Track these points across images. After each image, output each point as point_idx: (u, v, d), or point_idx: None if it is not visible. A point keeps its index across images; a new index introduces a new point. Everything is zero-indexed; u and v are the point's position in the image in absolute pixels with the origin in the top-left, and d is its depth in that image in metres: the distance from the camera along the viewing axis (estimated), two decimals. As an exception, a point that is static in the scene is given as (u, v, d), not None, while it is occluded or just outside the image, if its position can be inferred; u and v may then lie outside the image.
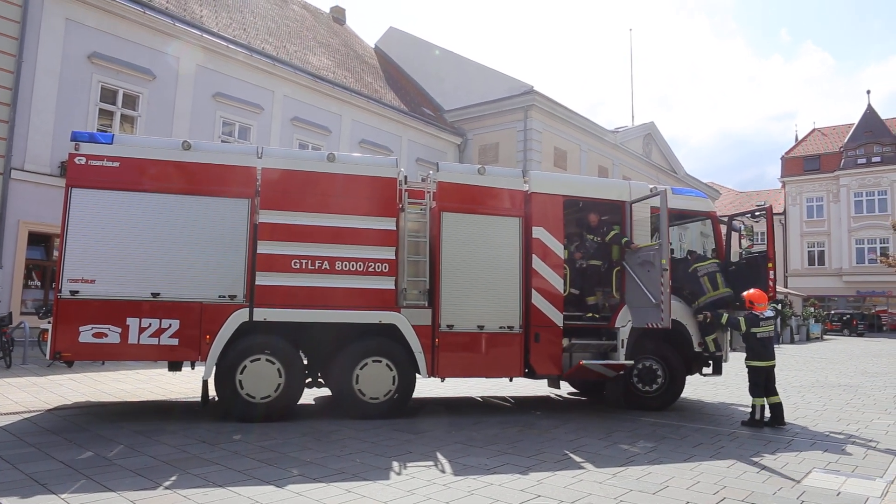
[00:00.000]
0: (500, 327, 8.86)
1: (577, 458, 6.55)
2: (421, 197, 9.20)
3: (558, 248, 9.39)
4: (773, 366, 8.71)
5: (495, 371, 9.05)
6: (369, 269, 8.36)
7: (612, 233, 9.81)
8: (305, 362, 8.62)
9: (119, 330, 7.54)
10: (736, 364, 11.15)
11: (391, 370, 8.41)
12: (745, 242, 10.84)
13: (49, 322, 7.82)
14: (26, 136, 16.28)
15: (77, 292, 7.51)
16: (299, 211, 8.25)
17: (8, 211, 15.90)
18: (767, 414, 8.58)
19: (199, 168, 8.10)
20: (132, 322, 7.59)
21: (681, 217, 10.72)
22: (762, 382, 8.58)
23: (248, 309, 7.91)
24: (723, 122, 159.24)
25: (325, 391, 9.34)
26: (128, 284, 7.65)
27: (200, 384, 8.45)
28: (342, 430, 7.55)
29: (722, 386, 12.60)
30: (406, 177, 9.19)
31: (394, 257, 8.50)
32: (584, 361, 8.97)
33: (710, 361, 10.05)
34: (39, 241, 16.72)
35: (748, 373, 8.72)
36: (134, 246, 7.73)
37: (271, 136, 21.84)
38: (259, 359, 7.95)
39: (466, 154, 29.76)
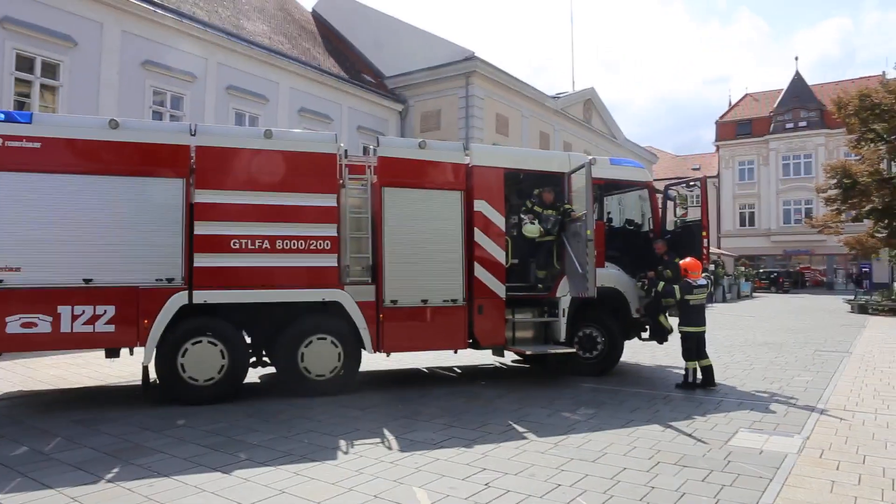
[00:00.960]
0: (444, 300, 8.96)
1: (521, 429, 6.76)
2: (362, 172, 9.10)
3: (500, 221, 9.51)
4: (705, 331, 9.16)
5: (440, 344, 9.19)
6: (311, 247, 8.28)
7: (565, 207, 9.99)
8: (249, 342, 8.54)
9: (49, 319, 7.26)
10: (674, 325, 11.66)
11: (336, 347, 8.43)
12: (679, 211, 11.17)
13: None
14: (-64, 109, 15.19)
15: (1, 281, 7.18)
16: (237, 189, 8.06)
17: (-80, 190, 14.88)
18: (699, 376, 9.02)
19: (129, 147, 7.77)
20: (64, 310, 7.31)
21: (618, 187, 10.98)
22: (694, 347, 9.01)
23: (186, 292, 7.74)
24: (661, 87, 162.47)
25: (271, 369, 9.27)
26: (57, 271, 7.34)
27: (139, 368, 8.27)
28: (289, 410, 7.56)
29: (660, 350, 13.13)
30: (346, 151, 9.07)
31: (335, 234, 8.44)
32: (529, 351, 9.48)
33: (647, 326, 10.45)
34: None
35: (681, 338, 9.14)
36: (62, 231, 7.40)
37: (206, 106, 21.05)
38: (200, 341, 7.83)
39: (408, 121, 29.48)
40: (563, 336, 9.48)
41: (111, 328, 7.50)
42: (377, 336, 8.55)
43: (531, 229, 9.84)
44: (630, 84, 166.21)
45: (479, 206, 9.36)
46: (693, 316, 9.12)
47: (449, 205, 9.19)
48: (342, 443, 6.22)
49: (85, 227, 7.51)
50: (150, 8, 19.60)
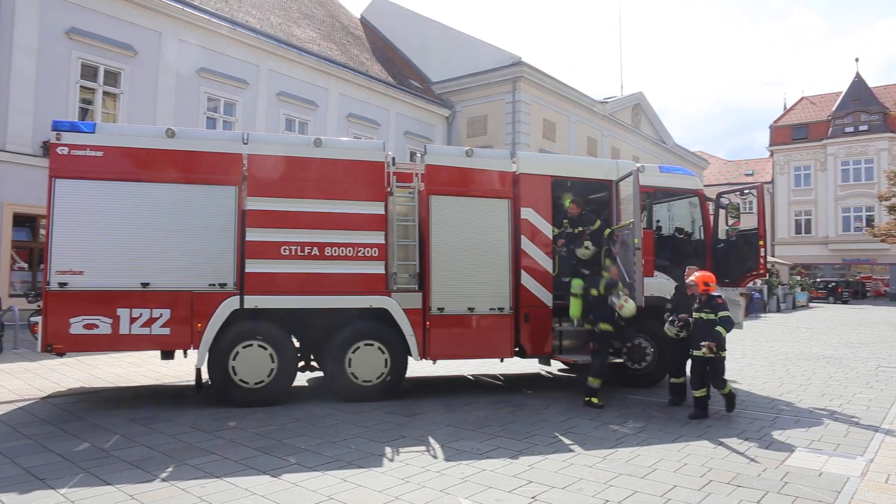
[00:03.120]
0: (491, 309, 8.94)
1: (567, 441, 6.68)
2: (409, 180, 9.18)
3: (547, 229, 9.45)
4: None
5: (486, 352, 9.16)
6: (359, 254, 8.38)
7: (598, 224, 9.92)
8: (298, 346, 8.68)
9: (110, 321, 7.55)
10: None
11: (383, 353, 8.50)
12: (731, 220, 10.86)
13: (38, 307, 7.81)
14: (6, 117, 15.97)
15: (66, 284, 7.49)
16: (287, 197, 8.23)
17: (-8, 193, 15.69)
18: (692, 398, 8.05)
19: (185, 156, 8.03)
20: (123, 312, 7.59)
21: (667, 195, 10.77)
22: (703, 371, 7.92)
23: (238, 296, 7.93)
24: (712, 90, 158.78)
25: (319, 374, 9.40)
26: (117, 275, 7.62)
27: (193, 369, 8.50)
28: (336, 415, 7.65)
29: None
30: (394, 159, 9.15)
31: (383, 241, 8.52)
32: (576, 361, 9.39)
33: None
34: (24, 222, 16.54)
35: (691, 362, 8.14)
36: (121, 236, 7.68)
37: (257, 112, 21.57)
38: (251, 345, 8.00)
39: (455, 127, 29.57)
40: (610, 346, 9.33)
41: (167, 331, 7.73)
42: (423, 343, 8.58)
43: (585, 253, 9.82)
44: (680, 87, 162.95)
45: (527, 214, 9.32)
46: (699, 338, 7.87)
47: (496, 213, 9.18)
48: (388, 450, 6.25)
49: (143, 233, 7.78)
50: (206, 17, 20.21)
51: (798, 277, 40.74)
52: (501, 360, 9.58)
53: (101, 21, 17.74)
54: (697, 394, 7.84)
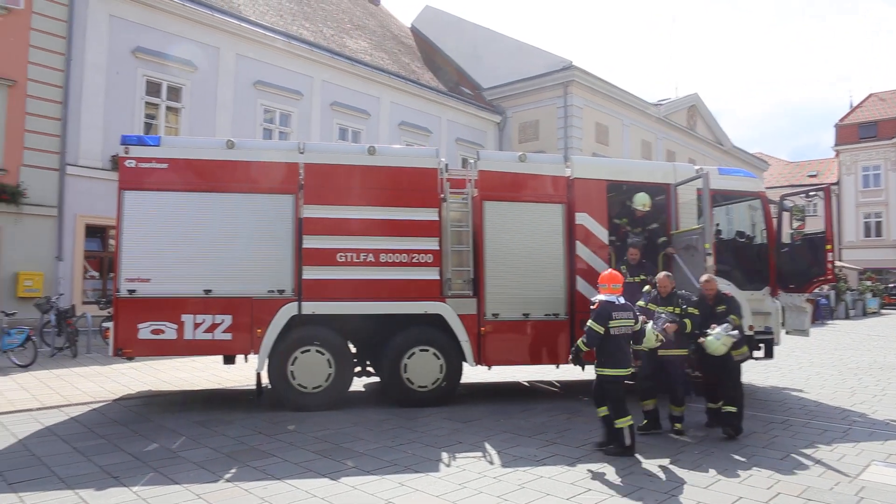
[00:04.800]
0: (546, 315, 8.87)
1: (627, 449, 6.54)
2: (462, 186, 9.22)
3: (602, 234, 9.33)
4: (624, 377, 6.54)
5: (542, 359, 9.07)
6: (413, 261, 8.45)
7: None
8: (354, 352, 8.80)
9: (175, 326, 7.83)
10: (792, 344, 10.93)
11: (438, 359, 8.52)
12: (795, 223, 10.44)
13: (109, 313, 8.17)
14: (78, 134, 16.81)
15: (134, 291, 7.81)
16: (342, 204, 8.37)
17: (66, 206, 16.51)
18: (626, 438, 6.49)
19: (244, 166, 8.28)
20: (187, 318, 7.86)
21: (727, 198, 10.47)
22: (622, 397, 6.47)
23: (296, 303, 8.10)
24: (772, 89, 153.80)
25: (375, 379, 9.50)
26: (181, 282, 7.91)
27: (253, 373, 8.72)
28: (393, 420, 7.71)
29: (773, 369, 12.36)
30: (447, 165, 9.20)
31: (437, 248, 8.57)
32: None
33: (762, 345, 9.86)
34: (95, 232, 17.33)
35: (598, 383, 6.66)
36: (185, 245, 7.97)
37: (311, 122, 22.04)
38: (309, 350, 8.16)
39: (506, 132, 29.52)
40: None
41: (228, 336, 7.97)
42: (478, 349, 8.58)
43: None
44: (738, 88, 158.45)
45: (581, 218, 9.22)
46: (613, 352, 6.43)
47: (550, 218, 9.12)
48: (445, 455, 6.26)
49: (205, 241, 8.04)
50: (262, 31, 20.78)
51: (868, 283, 38.88)
52: (557, 367, 9.47)
53: (164, 39, 18.48)
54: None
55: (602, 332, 6.38)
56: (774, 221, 10.23)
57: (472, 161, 9.29)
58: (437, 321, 8.53)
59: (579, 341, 6.66)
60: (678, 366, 7.40)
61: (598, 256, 9.21)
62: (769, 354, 9.86)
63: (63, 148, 16.55)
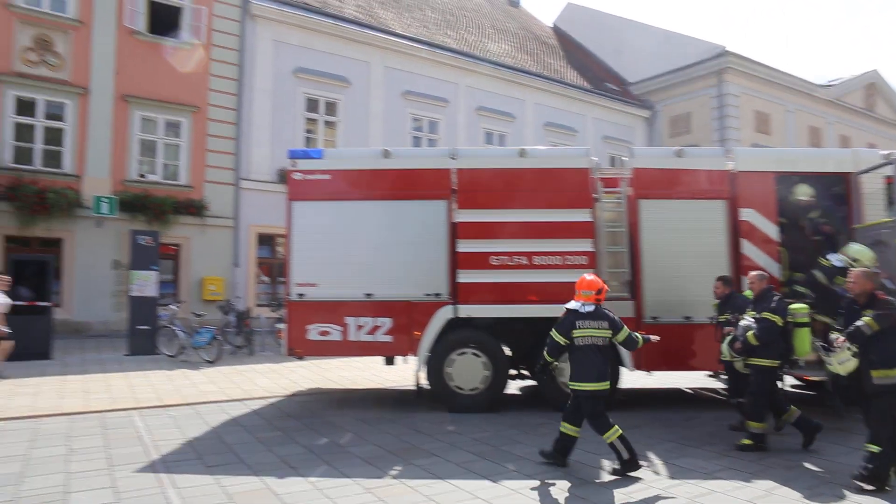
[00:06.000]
0: (710, 318, 8.34)
1: (810, 466, 5.99)
2: (616, 185, 8.94)
3: (771, 230, 8.61)
4: (598, 390, 5.87)
5: (705, 364, 8.55)
6: (567, 262, 8.32)
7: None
8: (510, 354, 8.82)
9: (340, 328, 8.31)
10: None
11: (594, 363, 8.31)
12: None
13: (279, 314, 8.85)
14: (250, 150, 18.46)
15: (303, 295, 8.39)
16: (495, 208, 8.44)
17: (241, 217, 18.20)
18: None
19: (399, 174, 8.62)
20: (350, 321, 8.32)
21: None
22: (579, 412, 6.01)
23: (452, 306, 8.27)
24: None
25: (531, 382, 9.48)
26: (345, 286, 8.38)
27: (411, 373, 9.03)
28: (550, 423, 7.60)
29: None
30: (599, 164, 8.97)
31: (592, 249, 8.38)
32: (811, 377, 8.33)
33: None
34: (265, 241, 18.91)
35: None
36: (348, 251, 8.44)
37: (458, 128, 22.52)
38: (465, 353, 8.30)
39: (656, 127, 28.29)
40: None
41: (389, 338, 8.32)
42: (638, 353, 8.25)
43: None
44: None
45: (746, 214, 8.58)
46: (580, 363, 5.90)
47: (711, 215, 8.59)
48: (606, 463, 6.09)
49: (365, 247, 8.46)
50: (408, 43, 21.56)
51: None
52: (716, 375, 8.89)
53: (321, 58, 19.79)
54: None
55: (563, 343, 5.92)
56: None
57: (624, 159, 8.99)
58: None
59: (544, 351, 6.13)
60: (764, 377, 6.65)
61: (767, 255, 8.52)
62: None
63: (237, 164, 18.25)
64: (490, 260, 8.33)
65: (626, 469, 5.71)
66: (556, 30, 33.61)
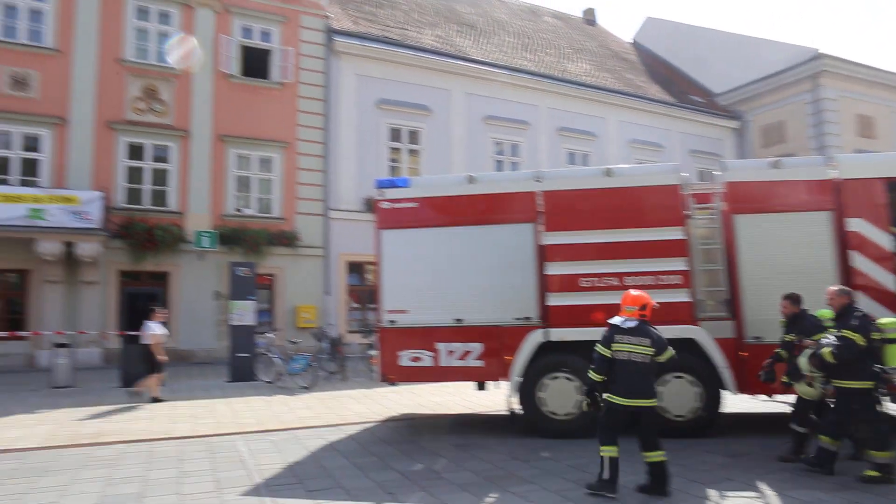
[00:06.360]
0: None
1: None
2: (708, 200, 8.63)
3: (885, 241, 8.03)
4: (647, 406, 5.83)
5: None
6: (660, 283, 8.07)
7: None
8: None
9: (431, 354, 8.40)
10: None
11: (694, 386, 7.98)
12: None
13: (370, 340, 9.03)
14: (338, 182, 19.14)
15: (394, 322, 8.55)
16: (582, 229, 8.33)
17: (330, 246, 18.83)
18: (606, 473, 5.85)
19: (485, 199, 8.67)
20: (441, 346, 8.39)
21: None
22: (618, 427, 5.91)
23: (542, 329, 8.19)
24: None
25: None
26: (435, 312, 8.47)
27: (503, 398, 8.97)
28: (648, 451, 7.36)
29: None
30: (689, 179, 8.70)
31: (686, 268, 8.10)
32: None
33: None
34: (354, 269, 19.44)
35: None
36: (436, 277, 8.54)
37: (539, 150, 22.47)
38: (558, 377, 8.17)
39: (746, 138, 27.17)
40: None
41: (480, 363, 8.33)
42: (740, 375, 7.87)
43: None
44: None
45: (855, 225, 8.05)
46: (616, 377, 5.87)
47: (815, 228, 8.11)
48: (712, 492, 5.80)
49: (453, 273, 8.54)
50: (488, 68, 21.81)
51: None
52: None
53: (402, 89, 20.34)
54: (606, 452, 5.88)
55: (607, 356, 5.90)
56: None
57: (716, 173, 8.68)
58: (690, 346, 8.01)
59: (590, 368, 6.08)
60: (848, 400, 6.20)
61: (881, 267, 7.95)
62: None
63: (326, 195, 18.93)
64: (580, 282, 8.21)
65: (599, 488, 5.73)
66: (636, 45, 33.07)
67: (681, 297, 8.02)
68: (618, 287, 8.11)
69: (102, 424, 9.18)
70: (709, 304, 8.12)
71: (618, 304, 7.98)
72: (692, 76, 29.99)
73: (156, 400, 11.07)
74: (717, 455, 7.10)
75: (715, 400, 8.01)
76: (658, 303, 7.98)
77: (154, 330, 11.34)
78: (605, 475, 5.75)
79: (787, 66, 25.42)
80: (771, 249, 8.06)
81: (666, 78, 29.33)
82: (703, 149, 26.17)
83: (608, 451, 5.78)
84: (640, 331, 5.87)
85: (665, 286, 8.02)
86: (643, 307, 5.99)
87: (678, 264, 8.08)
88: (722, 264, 8.21)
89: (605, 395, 5.97)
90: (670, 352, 5.93)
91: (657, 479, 5.78)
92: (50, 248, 15.17)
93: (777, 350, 7.10)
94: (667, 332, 7.89)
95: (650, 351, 5.81)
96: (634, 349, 5.80)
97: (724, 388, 7.95)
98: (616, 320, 6.05)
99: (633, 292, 6.20)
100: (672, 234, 8.14)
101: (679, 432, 7.88)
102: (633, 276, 8.10)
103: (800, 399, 6.96)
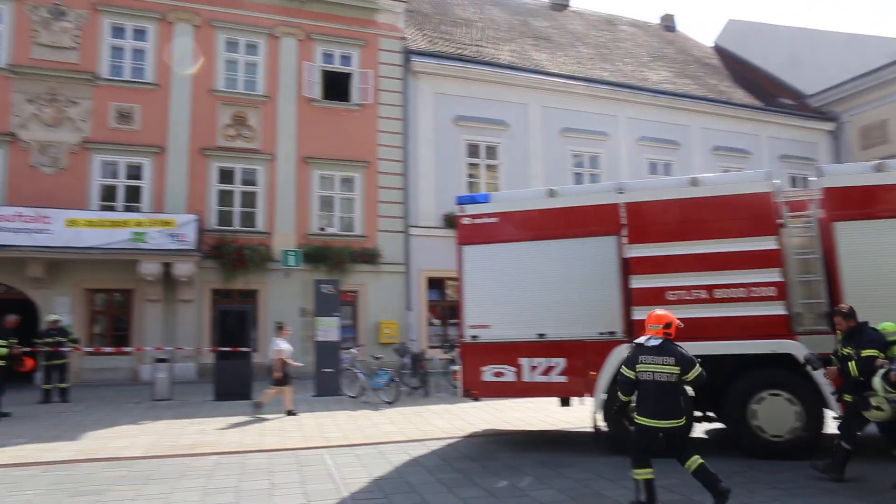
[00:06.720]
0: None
1: None
2: (803, 208, 8.19)
3: None
4: (674, 426, 5.61)
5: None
6: (753, 295, 7.71)
7: None
8: (693, 395, 8.28)
9: (514, 369, 8.35)
10: None
11: (793, 405, 7.54)
12: None
13: (451, 356, 9.06)
14: (417, 199, 19.43)
15: (477, 337, 8.56)
16: (668, 241, 8.08)
17: (411, 262, 19.10)
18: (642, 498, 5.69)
19: (566, 212, 8.58)
20: (524, 361, 8.32)
21: None
22: (645, 448, 5.75)
23: (628, 344, 7.96)
24: None
25: (718, 424, 8.81)
26: (517, 327, 8.43)
27: (587, 414, 8.77)
28: (746, 472, 6.99)
29: None
30: (781, 186, 8.29)
31: (781, 279, 7.69)
32: None
33: None
34: (434, 284, 19.62)
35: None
36: (518, 292, 8.50)
37: (620, 161, 22.03)
38: (643, 394, 7.91)
39: (843, 140, 25.63)
40: None
41: (563, 378, 8.20)
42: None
43: None
44: None
45: (972, 230, 7.42)
46: (641, 397, 5.76)
47: (926, 234, 7.53)
48: (818, 519, 5.44)
49: (535, 288, 8.47)
50: (564, 81, 21.65)
51: None
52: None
53: (479, 105, 20.47)
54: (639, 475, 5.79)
55: (632, 377, 5.79)
56: None
57: (811, 178, 8.23)
58: (788, 362, 7.58)
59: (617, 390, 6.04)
60: None
61: None
62: None
63: (406, 212, 19.26)
64: (666, 295, 7.95)
65: None
66: (718, 49, 31.95)
67: (776, 309, 7.62)
68: (707, 300, 7.84)
69: (199, 436, 9.64)
70: (807, 317, 7.67)
71: (708, 318, 7.79)
72: (781, 78, 28.63)
73: (290, 413, 11.42)
74: (822, 480, 6.65)
75: (817, 419, 7.53)
76: (750, 316, 7.65)
77: (279, 346, 11.77)
78: (642, 498, 5.65)
79: (889, 61, 23.82)
80: (875, 258, 7.54)
81: (752, 81, 28.14)
82: (794, 153, 24.88)
83: (642, 474, 5.69)
84: (664, 349, 5.72)
85: (758, 298, 7.66)
86: (667, 325, 5.85)
87: (772, 275, 7.69)
88: (821, 275, 7.75)
89: (634, 417, 5.87)
90: (698, 369, 5.72)
91: (708, 485, 5.59)
92: (150, 268, 16.16)
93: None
94: (760, 346, 7.63)
95: (675, 370, 5.63)
96: (658, 369, 5.65)
97: (827, 407, 7.47)
98: (640, 339, 5.96)
99: (658, 311, 6.07)
100: (764, 243, 7.77)
101: (776, 454, 7.46)
102: (723, 288, 7.79)
103: (851, 415, 6.57)
